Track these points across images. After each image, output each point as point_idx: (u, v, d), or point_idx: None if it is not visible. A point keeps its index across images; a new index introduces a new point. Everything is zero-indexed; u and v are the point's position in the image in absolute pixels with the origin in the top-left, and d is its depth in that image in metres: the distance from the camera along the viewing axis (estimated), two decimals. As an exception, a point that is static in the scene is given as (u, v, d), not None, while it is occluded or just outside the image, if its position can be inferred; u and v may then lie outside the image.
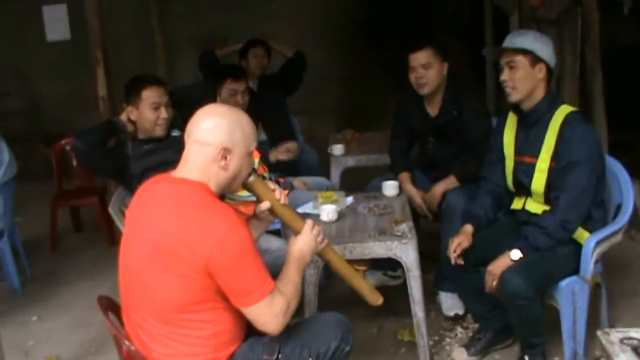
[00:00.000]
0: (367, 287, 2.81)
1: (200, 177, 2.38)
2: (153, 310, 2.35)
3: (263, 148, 5.29)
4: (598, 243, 3.25)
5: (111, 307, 2.55)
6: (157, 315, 2.34)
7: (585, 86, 5.21)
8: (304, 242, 2.59)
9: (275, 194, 2.64)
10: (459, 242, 3.44)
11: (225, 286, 2.30)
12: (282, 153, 4.76)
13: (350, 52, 7.96)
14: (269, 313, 2.34)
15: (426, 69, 4.06)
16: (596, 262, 3.30)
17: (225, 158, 2.38)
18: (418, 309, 3.45)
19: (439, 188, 4.09)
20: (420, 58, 4.07)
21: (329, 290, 4.28)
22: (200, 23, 7.85)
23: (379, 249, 3.38)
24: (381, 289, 4.18)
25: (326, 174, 5.16)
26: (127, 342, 2.35)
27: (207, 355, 2.37)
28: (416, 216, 4.14)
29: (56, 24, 7.17)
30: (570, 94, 5.20)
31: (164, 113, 3.75)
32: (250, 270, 2.30)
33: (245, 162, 2.45)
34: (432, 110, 4.20)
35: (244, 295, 2.31)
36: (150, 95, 3.72)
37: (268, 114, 5.64)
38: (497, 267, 3.20)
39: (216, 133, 2.37)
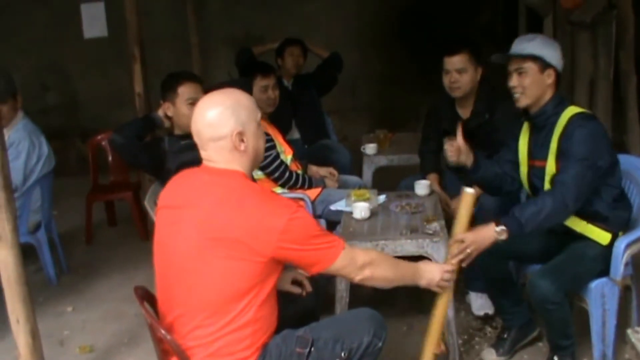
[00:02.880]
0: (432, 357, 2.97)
1: (231, 167, 2.46)
2: (201, 301, 2.39)
3: (296, 145, 5.35)
4: (628, 245, 3.25)
5: (147, 297, 2.60)
6: (204, 305, 2.38)
7: (619, 90, 5.19)
8: (431, 270, 2.77)
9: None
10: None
11: (301, 263, 2.45)
12: (323, 173, 4.77)
13: (384, 54, 7.99)
14: (351, 264, 2.49)
15: (460, 74, 4.10)
16: (626, 264, 3.29)
17: (243, 141, 2.44)
18: (448, 307, 3.47)
19: None
20: (455, 62, 4.10)
21: (361, 288, 4.31)
22: (236, 23, 7.92)
23: (410, 246, 3.42)
24: (408, 288, 4.25)
25: (358, 173, 5.20)
26: (162, 331, 2.40)
27: (245, 342, 2.41)
28: (448, 216, 4.18)
29: (94, 21, 7.27)
30: (604, 98, 5.19)
31: (199, 109, 3.80)
32: (319, 241, 2.42)
33: (259, 134, 2.52)
34: (464, 112, 4.23)
35: (320, 261, 2.44)
36: (186, 91, 3.78)
37: (302, 112, 5.72)
38: (479, 240, 3.07)
39: (224, 123, 2.41)
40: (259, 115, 2.53)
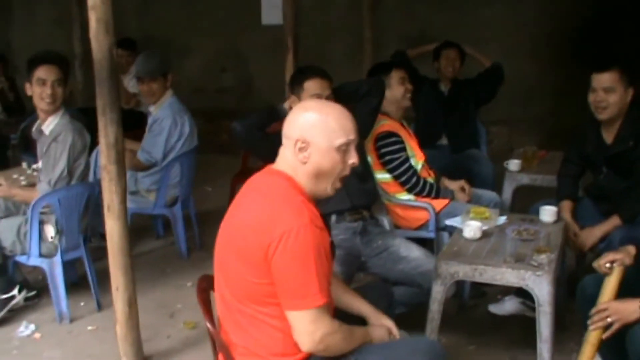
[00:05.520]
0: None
1: (289, 170, 2.37)
2: (232, 293, 2.37)
3: (443, 152, 5.17)
4: None
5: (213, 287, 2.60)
6: (236, 299, 2.36)
7: None
8: (380, 334, 2.59)
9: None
10: (614, 257, 3.03)
11: (277, 282, 2.25)
12: (455, 186, 4.54)
13: (561, 68, 7.50)
14: (310, 325, 2.26)
15: (607, 93, 3.74)
16: None
17: (303, 150, 2.33)
18: (544, 347, 3.18)
19: (598, 231, 3.76)
20: (604, 80, 3.76)
21: (472, 310, 4.12)
22: (411, 21, 7.79)
23: (510, 276, 3.16)
24: (518, 317, 3.98)
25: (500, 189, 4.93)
26: (208, 324, 2.41)
27: (275, 348, 2.34)
28: (575, 248, 3.89)
29: (272, 9, 7.50)
30: None
31: (323, 105, 3.76)
32: (305, 274, 2.21)
33: (330, 157, 2.34)
34: (608, 137, 3.87)
35: (291, 297, 2.24)
36: (312, 86, 3.74)
37: (454, 119, 5.53)
38: (623, 311, 2.82)
39: (295, 126, 2.36)
40: (341, 140, 2.34)
